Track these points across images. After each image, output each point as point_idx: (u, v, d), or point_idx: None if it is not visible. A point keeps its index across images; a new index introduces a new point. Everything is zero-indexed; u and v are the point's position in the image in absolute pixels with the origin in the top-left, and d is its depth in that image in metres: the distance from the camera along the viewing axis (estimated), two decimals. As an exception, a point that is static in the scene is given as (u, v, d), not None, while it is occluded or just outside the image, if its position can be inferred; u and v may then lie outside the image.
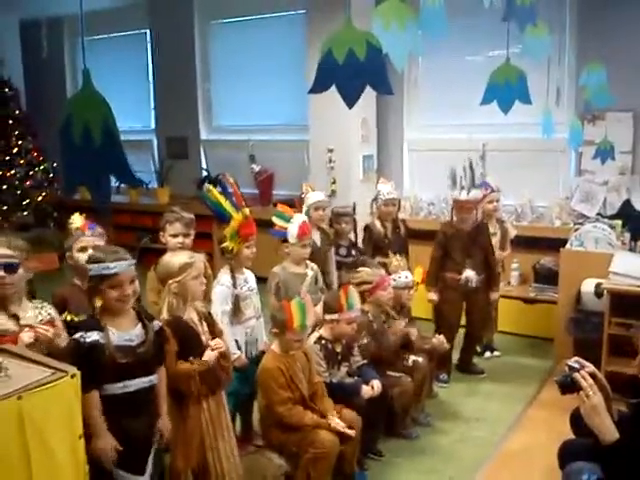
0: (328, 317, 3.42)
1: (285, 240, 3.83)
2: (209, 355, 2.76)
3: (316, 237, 4.29)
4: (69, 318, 2.77)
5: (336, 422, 3.08)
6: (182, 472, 2.80)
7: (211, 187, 3.59)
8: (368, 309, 3.80)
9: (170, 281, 2.77)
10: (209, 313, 2.98)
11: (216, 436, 2.84)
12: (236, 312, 3.43)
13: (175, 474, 2.81)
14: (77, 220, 3.28)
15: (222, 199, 3.43)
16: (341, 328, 3.41)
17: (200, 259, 2.92)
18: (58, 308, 2.82)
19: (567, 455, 2.66)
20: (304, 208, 4.35)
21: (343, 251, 4.64)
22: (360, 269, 3.92)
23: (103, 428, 2.34)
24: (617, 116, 5.58)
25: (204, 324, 2.87)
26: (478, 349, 5.13)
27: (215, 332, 2.91)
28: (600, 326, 4.29)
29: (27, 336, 2.42)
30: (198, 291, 2.85)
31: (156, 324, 2.56)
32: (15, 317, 2.50)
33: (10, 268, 2.54)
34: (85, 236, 3.15)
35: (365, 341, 3.72)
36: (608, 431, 2.21)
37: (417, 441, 3.82)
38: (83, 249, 3.07)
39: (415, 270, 4.38)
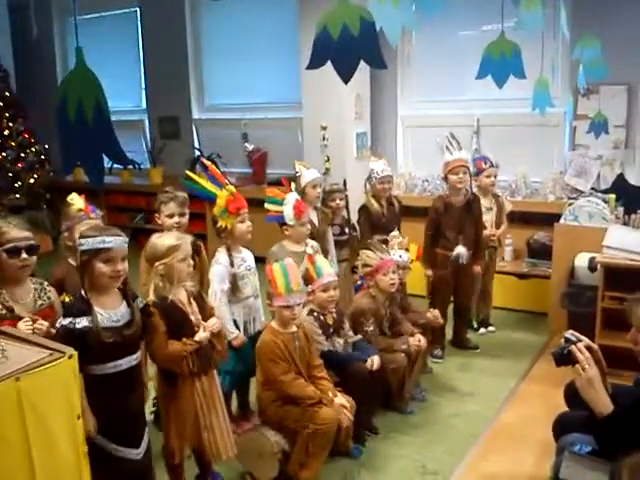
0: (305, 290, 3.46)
1: (283, 223, 3.82)
2: (201, 336, 2.77)
3: (313, 216, 4.27)
4: (67, 299, 2.77)
5: (340, 401, 3.10)
6: (176, 451, 2.83)
7: (189, 173, 3.58)
8: (375, 294, 3.82)
9: (157, 263, 2.76)
10: (199, 293, 2.97)
11: (210, 414, 2.86)
12: (234, 291, 3.43)
13: (169, 453, 2.84)
14: (77, 201, 3.23)
15: (203, 181, 3.42)
16: (318, 297, 3.44)
17: (187, 241, 2.91)
18: (56, 289, 2.82)
19: (561, 427, 2.69)
20: (297, 187, 4.32)
21: (336, 229, 4.63)
22: (362, 251, 3.92)
23: (87, 409, 2.34)
24: (611, 90, 5.57)
25: (194, 304, 2.86)
26: (475, 325, 5.16)
27: (206, 311, 2.91)
28: (594, 300, 4.32)
29: (24, 327, 2.42)
30: (184, 273, 2.84)
31: (139, 302, 2.57)
32: (11, 310, 2.51)
33: (31, 250, 2.58)
34: (89, 219, 3.12)
35: (372, 328, 3.74)
36: (603, 404, 2.24)
37: (412, 416, 3.86)
38: None
39: (409, 247, 4.38)
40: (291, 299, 3.08)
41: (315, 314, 3.46)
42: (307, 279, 3.45)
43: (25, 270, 2.59)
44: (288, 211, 3.76)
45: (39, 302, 2.63)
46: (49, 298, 2.68)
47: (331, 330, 3.51)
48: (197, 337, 2.76)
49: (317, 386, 3.14)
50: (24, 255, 2.55)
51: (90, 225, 2.90)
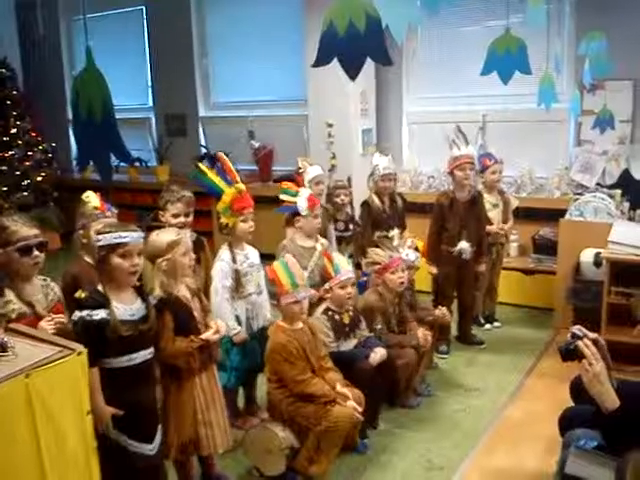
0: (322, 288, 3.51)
1: (296, 214, 3.85)
2: (212, 337, 2.80)
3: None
4: (83, 295, 2.79)
5: (352, 404, 3.10)
6: (174, 446, 2.84)
7: (200, 165, 3.58)
8: (382, 292, 3.82)
9: (159, 259, 2.78)
10: (198, 289, 2.99)
11: (208, 409, 2.88)
12: (237, 287, 3.45)
13: (168, 448, 2.84)
14: (93, 199, 3.25)
15: (213, 176, 3.43)
16: (336, 294, 3.47)
17: (187, 235, 2.93)
18: (70, 287, 2.84)
19: (567, 423, 2.69)
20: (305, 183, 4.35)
21: (341, 225, 4.67)
22: (370, 249, 3.93)
23: (101, 402, 2.37)
24: (616, 85, 5.54)
25: (196, 300, 2.89)
26: (481, 320, 5.16)
27: (204, 308, 2.94)
28: (599, 295, 4.32)
29: (48, 327, 2.45)
30: (187, 267, 2.87)
31: (152, 298, 2.62)
32: (30, 305, 2.53)
33: (42, 247, 2.61)
34: (105, 217, 3.15)
35: (380, 326, 3.75)
36: (609, 399, 2.24)
37: (418, 411, 3.87)
38: None
39: (418, 244, 4.39)
40: (298, 294, 3.10)
41: (330, 313, 3.47)
42: (324, 276, 3.47)
43: (36, 268, 2.61)
44: (302, 202, 3.80)
45: (49, 297, 2.66)
46: (55, 293, 2.71)
47: (347, 329, 3.52)
48: (205, 336, 2.79)
49: (325, 377, 3.16)
50: (35, 252, 2.57)
51: (106, 223, 2.93)
